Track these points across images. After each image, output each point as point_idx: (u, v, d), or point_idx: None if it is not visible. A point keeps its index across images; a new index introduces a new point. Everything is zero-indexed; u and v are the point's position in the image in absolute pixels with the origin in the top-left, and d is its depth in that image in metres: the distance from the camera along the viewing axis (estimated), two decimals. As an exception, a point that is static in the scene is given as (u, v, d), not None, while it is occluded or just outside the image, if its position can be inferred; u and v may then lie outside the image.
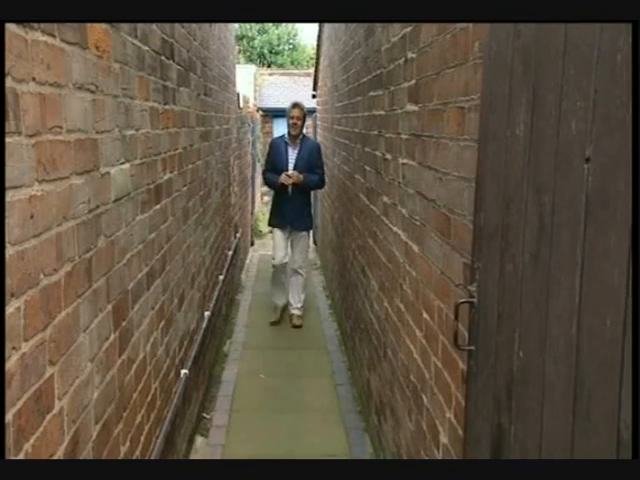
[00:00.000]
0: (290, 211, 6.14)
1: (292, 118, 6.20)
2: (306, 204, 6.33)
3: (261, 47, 30.62)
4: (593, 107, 1.12)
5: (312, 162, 6.19)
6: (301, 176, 6.03)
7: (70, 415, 1.69)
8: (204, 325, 4.34)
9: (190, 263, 3.86)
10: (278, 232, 6.29)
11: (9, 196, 1.31)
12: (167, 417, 3.00)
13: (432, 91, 2.38)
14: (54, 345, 1.57)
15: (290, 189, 6.09)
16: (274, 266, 6.31)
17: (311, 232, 6.60)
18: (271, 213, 6.46)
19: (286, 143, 6.28)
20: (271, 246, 6.61)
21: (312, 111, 10.85)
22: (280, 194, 6.22)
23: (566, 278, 1.21)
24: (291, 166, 6.16)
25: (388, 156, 3.34)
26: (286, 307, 6.42)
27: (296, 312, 6.27)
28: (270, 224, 6.49)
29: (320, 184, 6.42)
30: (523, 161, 1.43)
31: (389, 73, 3.33)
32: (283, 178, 6.05)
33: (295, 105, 6.27)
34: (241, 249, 8.25)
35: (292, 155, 6.22)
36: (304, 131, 6.44)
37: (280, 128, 14.46)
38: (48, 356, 1.54)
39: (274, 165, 6.26)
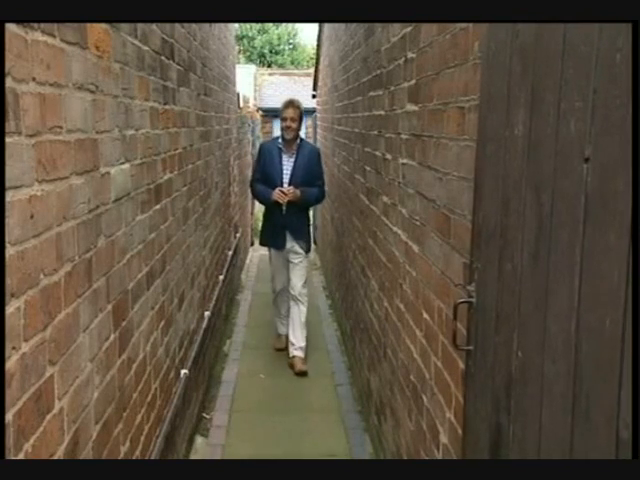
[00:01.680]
0: (285, 232, 5.08)
1: (285, 120, 5.01)
2: (303, 223, 5.25)
3: (261, 47, 30.61)
4: (592, 107, 1.12)
5: (311, 172, 5.07)
6: (298, 192, 4.93)
7: (70, 415, 1.69)
8: (204, 325, 4.35)
9: (190, 263, 3.86)
10: (275, 254, 5.26)
11: (9, 196, 1.31)
12: (167, 417, 3.01)
13: (432, 91, 2.38)
14: (54, 345, 1.57)
15: (284, 208, 4.97)
16: (274, 291, 5.47)
17: (310, 255, 5.49)
18: (263, 231, 5.40)
19: (280, 149, 5.10)
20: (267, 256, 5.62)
21: (312, 111, 10.85)
22: (273, 211, 5.11)
23: (565, 278, 1.21)
24: (286, 179, 5.03)
25: (388, 156, 3.34)
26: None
27: (298, 354, 5.08)
28: (263, 243, 5.41)
29: (320, 198, 5.29)
30: (522, 161, 1.43)
31: (389, 73, 3.33)
32: (277, 195, 4.91)
33: (290, 103, 5.07)
34: (241, 249, 8.25)
35: (287, 165, 5.07)
36: (302, 134, 5.29)
37: (280, 128, 14.37)
38: (48, 356, 1.54)
39: (266, 175, 5.10)
